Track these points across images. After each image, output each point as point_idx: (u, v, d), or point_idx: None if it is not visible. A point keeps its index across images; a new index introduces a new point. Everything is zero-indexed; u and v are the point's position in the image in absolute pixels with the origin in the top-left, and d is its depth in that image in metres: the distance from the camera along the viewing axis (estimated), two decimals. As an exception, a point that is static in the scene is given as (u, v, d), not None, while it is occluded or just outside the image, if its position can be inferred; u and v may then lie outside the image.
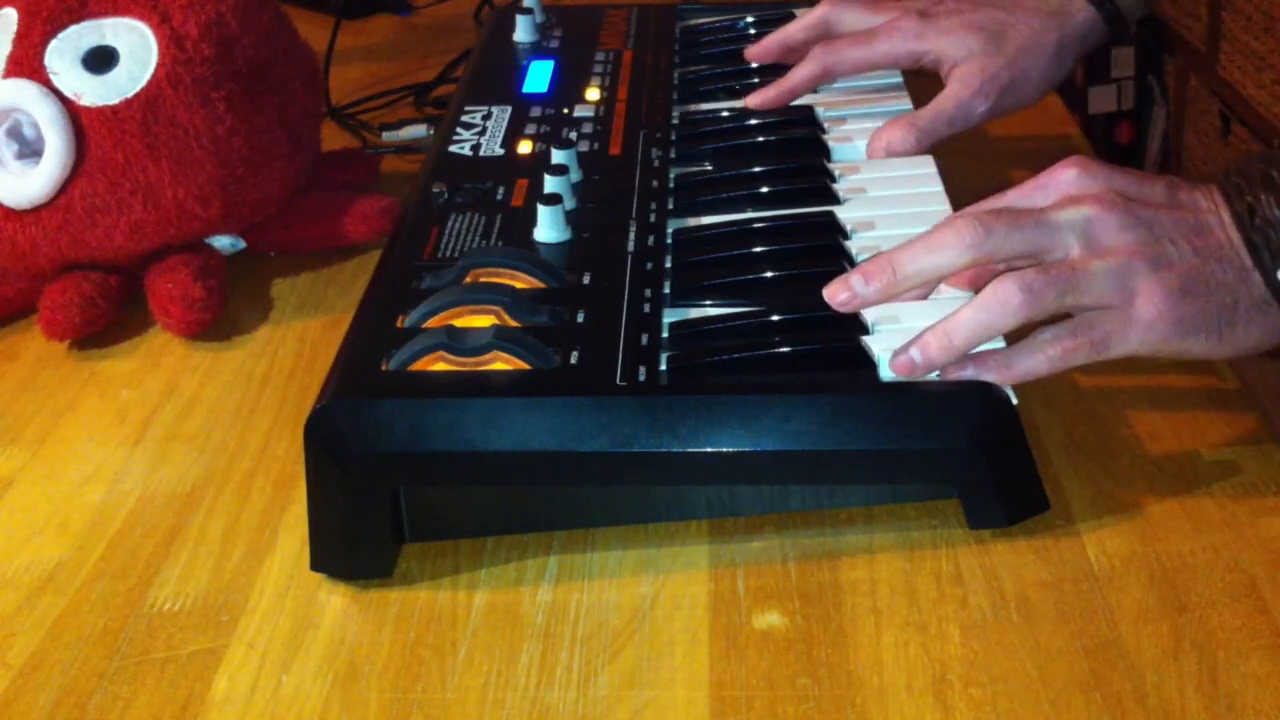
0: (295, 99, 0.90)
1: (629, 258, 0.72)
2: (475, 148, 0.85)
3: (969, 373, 0.62)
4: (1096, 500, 0.65)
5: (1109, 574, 0.60)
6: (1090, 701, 0.54)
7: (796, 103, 0.89)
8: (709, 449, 0.60)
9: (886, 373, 0.64)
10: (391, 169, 1.02)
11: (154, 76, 0.83)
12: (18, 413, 0.78)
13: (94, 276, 0.84)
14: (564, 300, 0.68)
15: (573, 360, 0.63)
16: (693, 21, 1.06)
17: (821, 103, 0.89)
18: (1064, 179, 0.65)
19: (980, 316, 0.62)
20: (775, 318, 0.68)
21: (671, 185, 0.81)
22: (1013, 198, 0.66)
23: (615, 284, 0.70)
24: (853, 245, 0.73)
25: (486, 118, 0.89)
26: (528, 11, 1.03)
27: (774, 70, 0.92)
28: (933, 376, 0.63)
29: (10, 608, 0.64)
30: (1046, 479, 0.64)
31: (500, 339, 0.63)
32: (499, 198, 0.79)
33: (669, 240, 0.75)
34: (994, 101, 0.82)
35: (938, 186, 0.79)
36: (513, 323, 0.66)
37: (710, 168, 0.84)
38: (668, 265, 0.73)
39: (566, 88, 0.93)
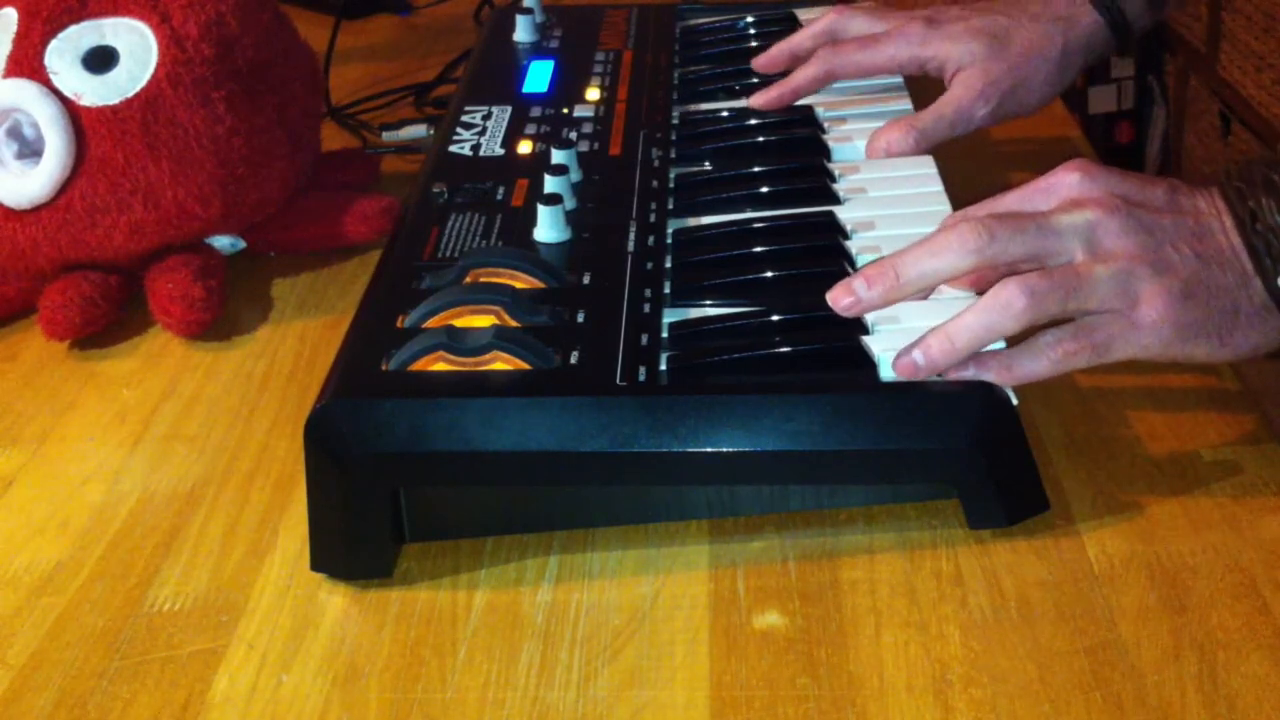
0: (295, 99, 0.90)
1: (629, 258, 0.72)
2: (475, 148, 0.85)
3: (970, 373, 0.62)
4: (1096, 500, 0.65)
5: (1109, 574, 0.60)
6: (1090, 701, 0.54)
7: (796, 103, 0.89)
8: (709, 449, 0.60)
9: (886, 373, 0.64)
10: (391, 169, 1.02)
11: (154, 76, 0.83)
12: (18, 413, 0.78)
13: (94, 276, 0.84)
14: (564, 300, 0.68)
15: (573, 360, 0.63)
16: (693, 21, 1.06)
17: (821, 103, 0.89)
18: (1066, 183, 0.65)
19: (983, 319, 0.62)
20: (775, 318, 0.68)
21: (672, 185, 0.81)
22: (1013, 200, 0.66)
23: (615, 284, 0.70)
24: (853, 245, 0.73)
25: (486, 118, 0.89)
26: (528, 11, 1.03)
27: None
28: (934, 376, 0.63)
29: (10, 608, 0.64)
30: (1046, 479, 0.64)
31: (500, 339, 0.63)
32: (499, 198, 0.79)
33: (669, 240, 0.75)
34: (995, 106, 0.82)
35: (938, 186, 0.79)
36: (513, 323, 0.66)
37: (710, 168, 0.84)
38: (668, 265, 0.73)
39: (566, 88, 0.93)
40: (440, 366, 0.64)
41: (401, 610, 0.62)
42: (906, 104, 0.88)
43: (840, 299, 0.65)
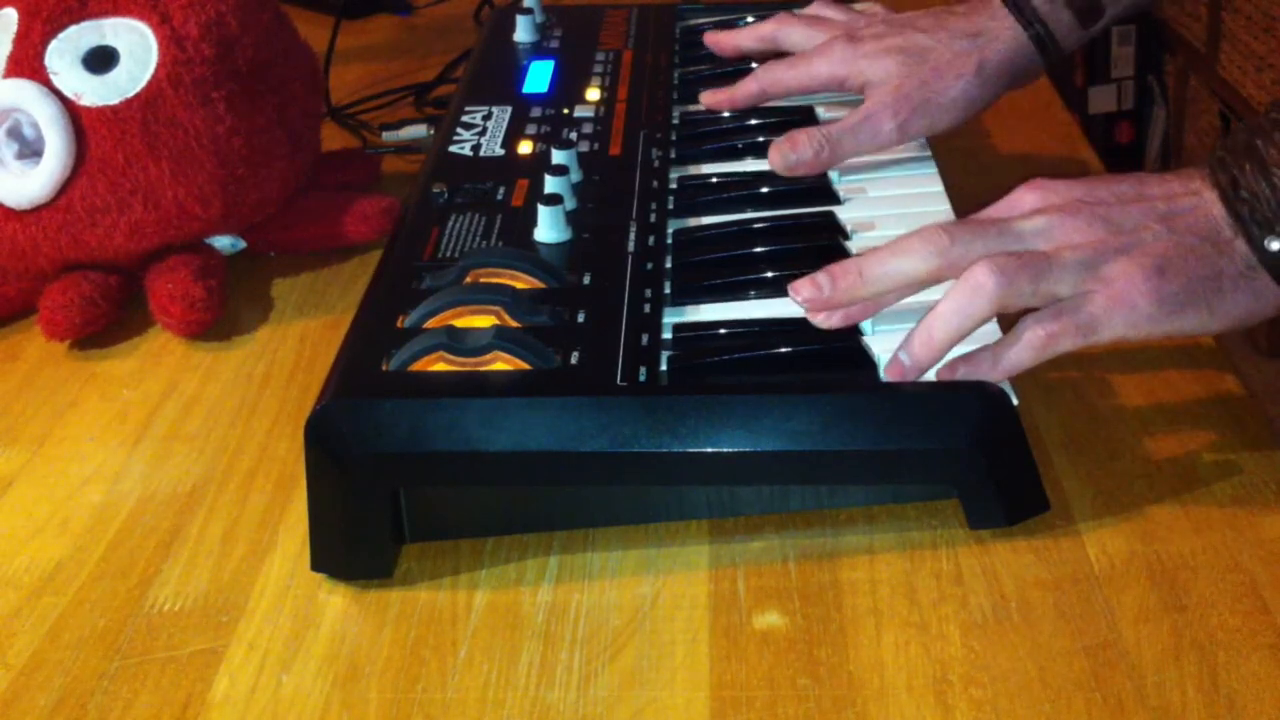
0: (295, 99, 0.90)
1: (629, 258, 0.72)
2: (475, 148, 0.85)
3: (960, 374, 0.62)
4: (1096, 500, 0.65)
5: (1109, 574, 0.60)
6: (1090, 701, 0.54)
7: (797, 102, 0.89)
8: (709, 449, 0.60)
9: (885, 373, 0.64)
10: (391, 169, 1.02)
11: (154, 76, 0.83)
12: (18, 413, 0.78)
13: (94, 276, 0.84)
14: (564, 300, 0.68)
15: (573, 360, 0.63)
16: (693, 21, 1.06)
17: (822, 103, 0.89)
18: (1025, 200, 0.66)
19: (955, 305, 0.62)
20: (775, 318, 0.68)
21: (672, 185, 0.81)
22: (978, 218, 0.66)
23: (615, 284, 0.70)
24: (853, 245, 0.73)
25: (487, 118, 0.89)
26: (528, 11, 1.03)
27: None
28: (930, 377, 0.63)
29: (10, 608, 0.64)
30: (1046, 479, 0.64)
31: (500, 339, 0.64)
32: (499, 198, 0.79)
33: (669, 240, 0.75)
34: (902, 120, 0.80)
35: (938, 186, 0.79)
36: (513, 323, 0.66)
37: (710, 168, 0.84)
38: (668, 265, 0.73)
39: (566, 88, 0.93)
40: (440, 366, 0.64)
41: (401, 610, 0.62)
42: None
43: (801, 290, 0.65)
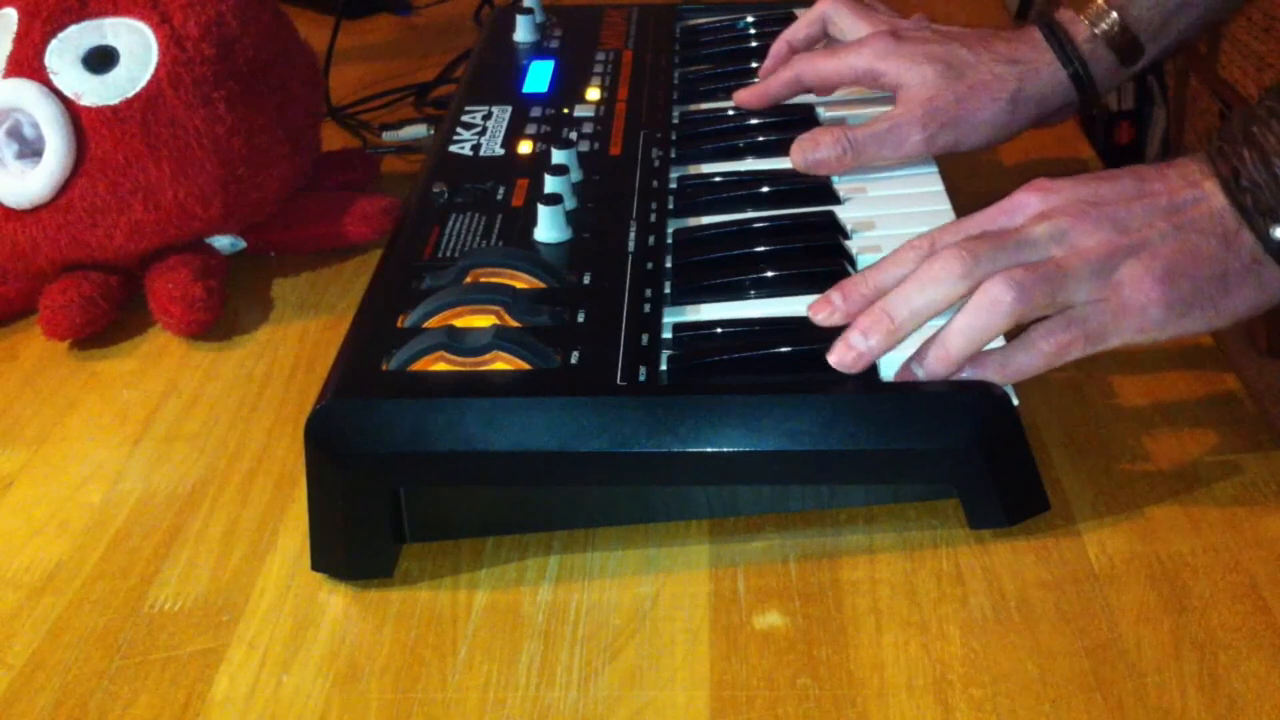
0: (295, 99, 0.90)
1: (629, 258, 0.72)
2: (475, 148, 0.85)
3: (967, 373, 0.62)
4: (1096, 500, 0.65)
5: (1109, 574, 0.60)
6: (1090, 701, 0.54)
7: (798, 101, 0.89)
8: (709, 449, 0.60)
9: (887, 373, 0.64)
10: (391, 169, 1.02)
11: (154, 76, 0.83)
12: (18, 413, 0.78)
13: (94, 276, 0.84)
14: (564, 300, 0.68)
15: (573, 360, 0.63)
16: (693, 21, 1.06)
17: (822, 103, 0.89)
18: (1028, 203, 0.65)
19: (973, 321, 0.62)
20: (775, 318, 0.68)
21: (672, 185, 0.81)
22: (980, 222, 0.66)
23: (615, 284, 0.70)
24: (853, 245, 0.73)
25: (487, 118, 0.89)
26: (528, 11, 1.03)
27: None
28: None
29: (10, 608, 0.64)
30: (1046, 479, 0.64)
31: (500, 339, 0.63)
32: (499, 198, 0.79)
33: (669, 240, 0.75)
34: (930, 134, 0.79)
35: (938, 186, 0.79)
36: (513, 323, 0.66)
37: (710, 168, 0.84)
38: (668, 265, 0.73)
39: (566, 88, 0.93)
40: (440, 366, 0.64)
41: (401, 610, 0.62)
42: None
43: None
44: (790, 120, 0.87)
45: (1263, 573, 0.60)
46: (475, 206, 0.78)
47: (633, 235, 0.74)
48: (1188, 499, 0.64)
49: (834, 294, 0.65)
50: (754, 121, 0.89)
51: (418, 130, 1.05)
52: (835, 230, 0.75)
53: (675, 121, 0.90)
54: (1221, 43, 1.56)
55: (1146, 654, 0.56)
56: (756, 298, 0.70)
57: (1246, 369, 0.73)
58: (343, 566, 0.63)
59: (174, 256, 0.85)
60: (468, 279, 0.69)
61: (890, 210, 0.77)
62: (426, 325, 0.66)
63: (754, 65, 0.95)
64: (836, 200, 0.79)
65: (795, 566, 0.62)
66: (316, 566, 0.64)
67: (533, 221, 0.74)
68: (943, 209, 0.76)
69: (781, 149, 0.84)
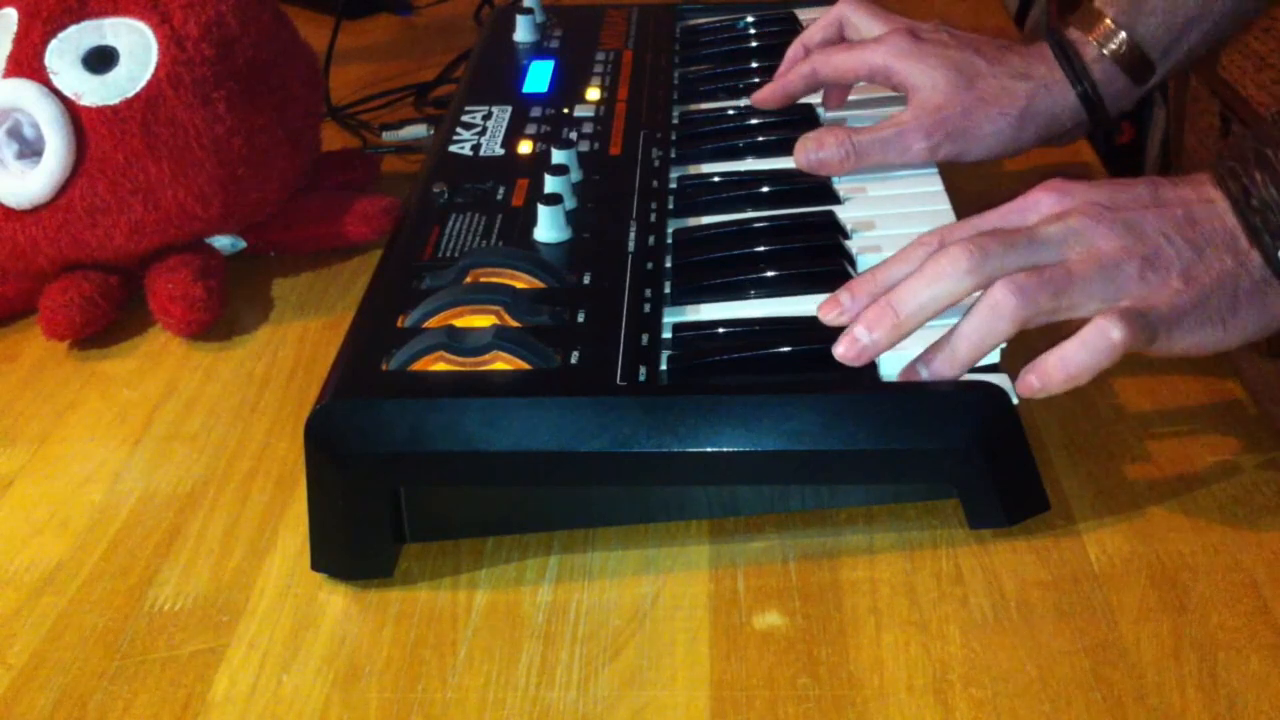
0: (295, 99, 0.90)
1: (629, 258, 0.72)
2: (475, 148, 0.85)
3: (1035, 383, 0.62)
4: (1096, 500, 0.65)
5: (1109, 574, 0.60)
6: (1090, 701, 0.54)
7: (798, 102, 0.89)
8: (709, 449, 0.60)
9: (887, 372, 0.64)
10: (391, 169, 1.02)
11: (154, 76, 0.83)
12: (18, 413, 0.78)
13: (94, 276, 0.84)
14: (564, 300, 0.68)
15: (573, 360, 0.63)
16: (693, 21, 1.06)
17: (821, 103, 0.89)
18: (1043, 202, 0.65)
19: (978, 325, 0.61)
20: (775, 318, 0.68)
21: (672, 185, 0.81)
22: (993, 219, 0.66)
23: (615, 284, 0.70)
24: (853, 245, 0.73)
25: (487, 118, 0.89)
26: (528, 11, 1.03)
27: (774, 70, 0.92)
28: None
29: (10, 608, 0.64)
30: (1046, 479, 0.64)
31: (500, 339, 0.63)
32: (499, 198, 0.79)
33: (669, 240, 0.75)
34: (934, 143, 0.79)
35: (938, 186, 0.79)
36: (513, 323, 0.66)
37: (710, 168, 0.84)
38: (668, 265, 0.73)
39: (566, 88, 0.93)
40: (440, 366, 0.64)
41: (401, 610, 0.62)
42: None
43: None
44: (791, 120, 0.87)
45: (1263, 573, 0.60)
46: (475, 206, 0.78)
47: (633, 235, 0.74)
48: (1188, 499, 0.64)
49: (842, 293, 0.65)
50: (754, 121, 0.89)
51: (418, 130, 1.05)
52: (835, 230, 0.75)
53: (675, 121, 0.90)
54: (1221, 43, 1.56)
55: (1146, 654, 0.56)
56: (756, 298, 0.70)
57: (1247, 370, 0.73)
58: (343, 566, 0.63)
59: (174, 256, 0.85)
60: (468, 279, 0.70)
61: (890, 210, 0.77)
62: (426, 325, 0.66)
63: (754, 65, 0.95)
64: (836, 200, 0.79)
65: (795, 566, 0.62)
66: (316, 566, 0.64)
67: (533, 221, 0.74)
68: (943, 209, 0.76)
69: (781, 149, 0.84)
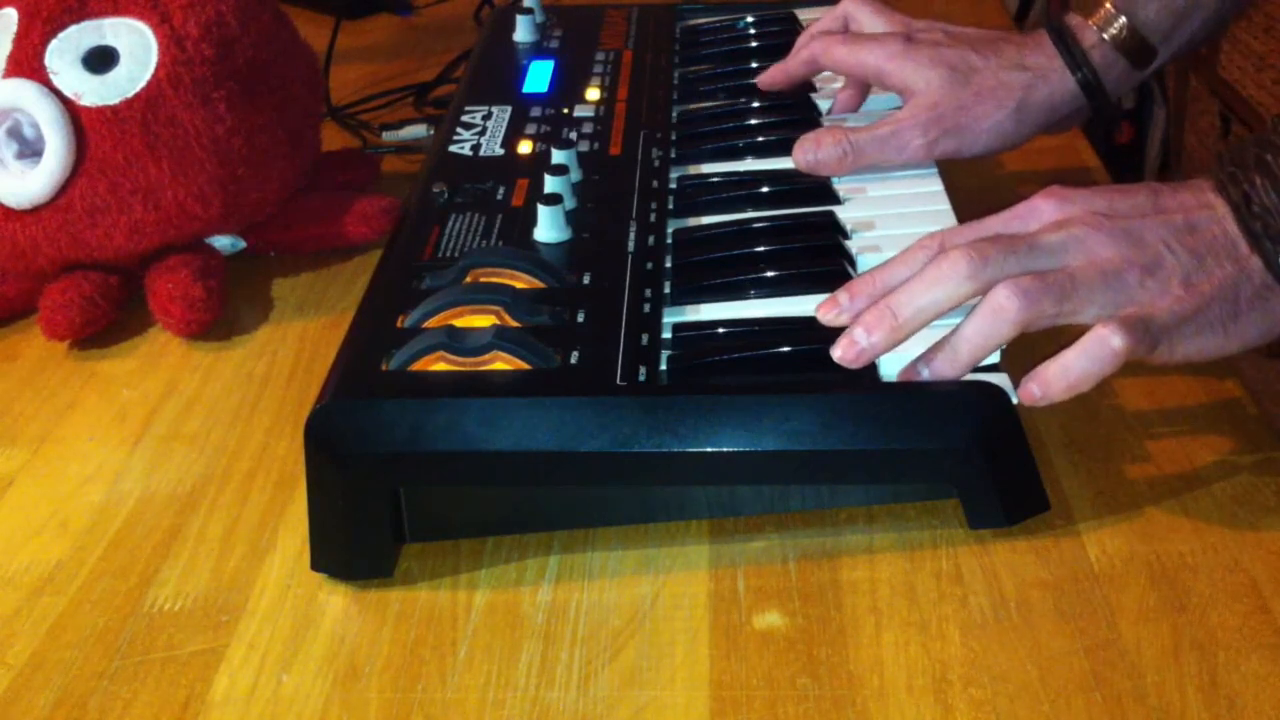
0: (295, 99, 0.90)
1: (629, 258, 0.72)
2: (475, 148, 0.85)
3: (1036, 391, 0.62)
4: (1096, 500, 0.65)
5: (1109, 574, 0.60)
6: (1090, 701, 0.54)
7: (799, 101, 0.89)
8: (709, 449, 0.60)
9: (887, 372, 0.64)
10: (391, 169, 1.02)
11: (154, 76, 0.83)
12: (18, 413, 0.78)
13: (94, 276, 0.84)
14: (564, 300, 0.68)
15: (573, 360, 0.63)
16: (693, 21, 1.06)
17: (827, 102, 0.89)
18: (1044, 209, 0.65)
19: (980, 327, 0.61)
20: (775, 318, 0.68)
21: (672, 185, 0.81)
22: (994, 225, 0.66)
23: (615, 284, 0.70)
24: (853, 245, 0.73)
25: (486, 118, 0.89)
26: (528, 11, 1.03)
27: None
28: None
29: (10, 608, 0.64)
30: (1046, 479, 0.64)
31: (500, 339, 0.64)
32: (499, 198, 0.79)
33: (669, 240, 0.75)
34: (932, 140, 0.79)
35: (938, 186, 0.79)
36: (513, 323, 0.66)
37: (710, 168, 0.84)
38: (668, 265, 0.73)
39: (566, 88, 0.93)
40: (440, 366, 0.64)
41: (401, 610, 0.62)
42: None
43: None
44: (791, 120, 0.87)
45: (1263, 573, 0.60)
46: (475, 206, 0.78)
47: (633, 235, 0.74)
48: (1188, 499, 0.64)
49: (841, 294, 0.65)
50: (754, 122, 0.89)
51: (418, 130, 1.05)
52: (835, 230, 0.75)
53: (675, 121, 0.90)
54: (1221, 43, 1.56)
55: (1146, 654, 0.56)
56: (756, 298, 0.70)
57: (1247, 370, 0.73)
58: (343, 566, 0.63)
59: (174, 256, 0.85)
60: (468, 279, 0.70)
61: (890, 210, 0.77)
62: (426, 325, 0.66)
63: (754, 65, 0.95)
64: (836, 200, 0.79)
65: (795, 566, 0.62)
66: (316, 566, 0.64)
67: (533, 221, 0.74)
68: (943, 209, 0.76)
69: (781, 149, 0.84)
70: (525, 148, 0.85)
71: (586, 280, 0.70)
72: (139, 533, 0.68)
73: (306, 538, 0.64)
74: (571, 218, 0.75)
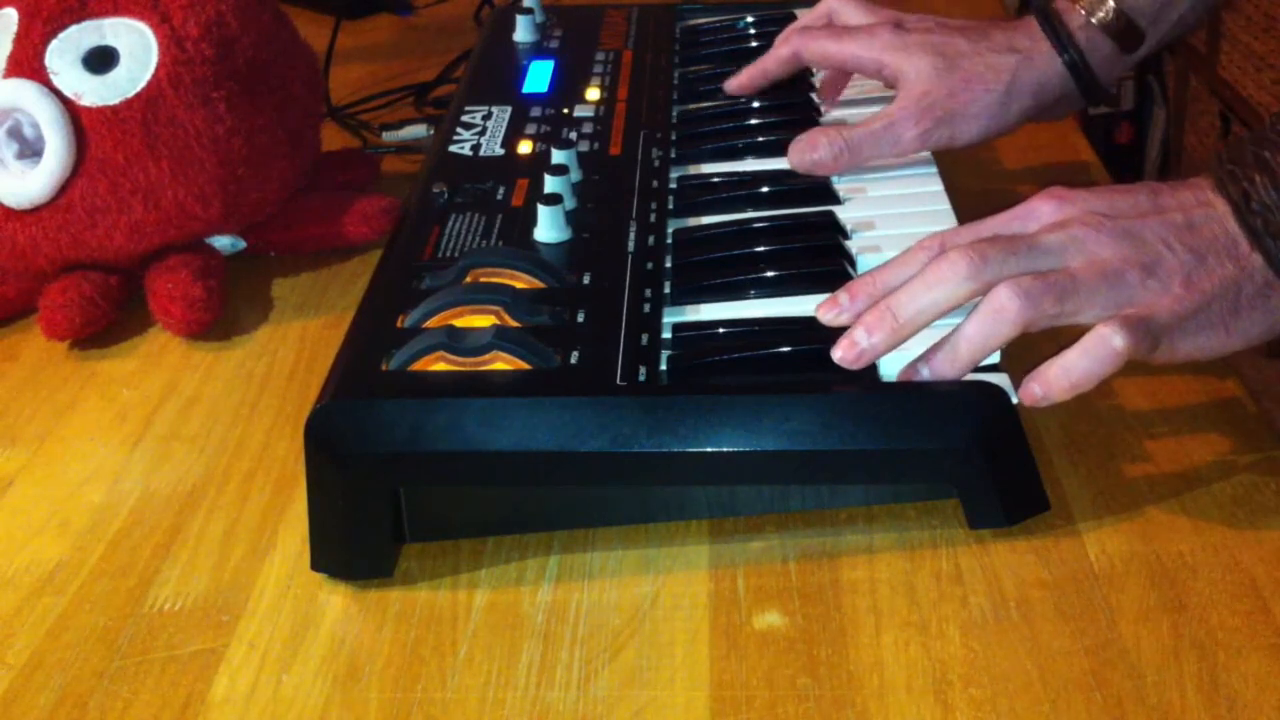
0: (295, 99, 0.90)
1: (629, 258, 0.72)
2: (475, 148, 0.85)
3: (1039, 392, 0.61)
4: (1096, 500, 0.65)
5: (1109, 574, 0.60)
6: (1090, 701, 0.54)
7: (799, 100, 0.89)
8: (709, 449, 0.60)
9: (886, 372, 0.64)
10: (391, 169, 1.02)
11: (154, 76, 0.83)
12: (18, 413, 0.78)
13: (94, 276, 0.84)
14: (564, 300, 0.68)
15: (573, 360, 0.63)
16: (693, 21, 1.06)
17: (818, 98, 0.89)
18: (1044, 210, 0.65)
19: (981, 327, 0.61)
20: (775, 318, 0.68)
21: (672, 185, 0.81)
22: (994, 225, 0.66)
23: (615, 284, 0.70)
24: (853, 245, 0.73)
25: (486, 118, 0.89)
26: (528, 11, 1.03)
27: None
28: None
29: (10, 608, 0.64)
30: (1046, 479, 0.64)
31: (500, 339, 0.64)
32: (499, 198, 0.79)
33: (669, 240, 0.75)
34: (925, 130, 0.79)
35: (938, 186, 0.79)
36: (513, 323, 0.66)
37: (710, 168, 0.84)
38: (668, 265, 0.73)
39: (566, 88, 0.93)
40: (440, 366, 0.64)
41: (401, 610, 0.62)
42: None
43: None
44: (790, 120, 0.87)
45: (1263, 573, 0.60)
46: (475, 206, 0.78)
47: (633, 235, 0.74)
48: (1188, 499, 0.64)
49: (842, 294, 0.65)
50: (754, 122, 0.89)
51: (418, 130, 1.05)
52: (835, 230, 0.75)
53: (675, 121, 0.90)
54: (1221, 42, 1.56)
55: (1146, 654, 0.56)
56: (756, 298, 0.70)
57: (1247, 370, 0.73)
58: (343, 566, 0.63)
59: (174, 256, 0.85)
60: (468, 279, 0.70)
61: (890, 210, 0.77)
62: (426, 325, 0.66)
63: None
64: (836, 200, 0.79)
65: (795, 566, 0.62)
66: (316, 566, 0.64)
67: (533, 221, 0.74)
68: (943, 209, 0.76)
69: (781, 149, 0.84)
70: (525, 148, 0.85)
71: (586, 280, 0.70)
72: (139, 533, 0.68)
73: (306, 538, 0.64)
74: (571, 218, 0.75)
